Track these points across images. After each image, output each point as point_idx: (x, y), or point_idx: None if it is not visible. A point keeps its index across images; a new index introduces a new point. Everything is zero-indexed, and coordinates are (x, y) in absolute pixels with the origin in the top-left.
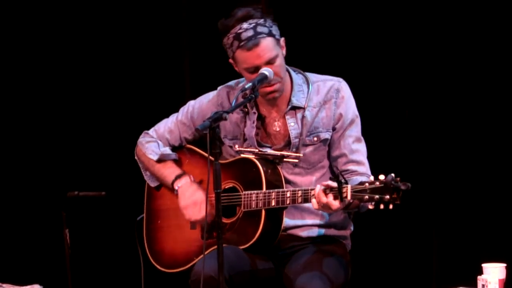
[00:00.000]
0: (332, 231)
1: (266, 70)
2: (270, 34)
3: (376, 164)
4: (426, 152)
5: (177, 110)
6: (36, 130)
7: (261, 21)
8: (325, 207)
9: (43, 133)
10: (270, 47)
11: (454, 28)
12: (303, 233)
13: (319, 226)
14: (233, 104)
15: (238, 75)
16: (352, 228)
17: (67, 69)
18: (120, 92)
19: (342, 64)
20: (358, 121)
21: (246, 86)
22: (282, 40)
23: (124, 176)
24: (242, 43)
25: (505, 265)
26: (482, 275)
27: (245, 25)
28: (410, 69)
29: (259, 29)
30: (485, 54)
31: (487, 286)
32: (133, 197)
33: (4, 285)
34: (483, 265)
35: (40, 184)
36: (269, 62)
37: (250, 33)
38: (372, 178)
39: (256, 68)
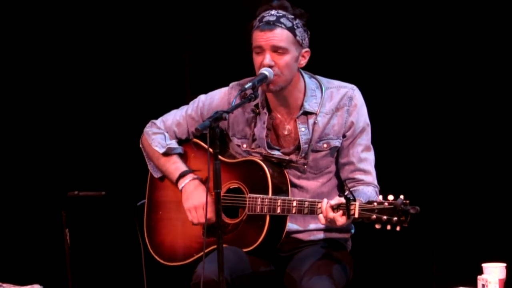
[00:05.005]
0: (334, 234)
1: (266, 70)
2: (291, 29)
3: (379, 166)
4: (425, 153)
5: (176, 109)
6: (36, 130)
7: (290, 16)
8: (331, 222)
9: (43, 133)
10: (283, 37)
11: (453, 32)
12: (306, 237)
13: (321, 230)
14: (233, 103)
15: (238, 72)
16: (353, 230)
17: (67, 69)
18: (120, 92)
19: (342, 65)
20: (368, 129)
21: (246, 86)
22: (305, 50)
23: (124, 176)
24: (260, 24)
25: (505, 265)
26: (482, 275)
27: (273, 12)
28: (409, 72)
29: (283, 20)
30: (485, 58)
31: (487, 286)
32: (133, 196)
33: (4, 285)
34: (483, 265)
35: (40, 184)
36: (276, 50)
37: (272, 18)
38: (380, 197)
39: (261, 50)
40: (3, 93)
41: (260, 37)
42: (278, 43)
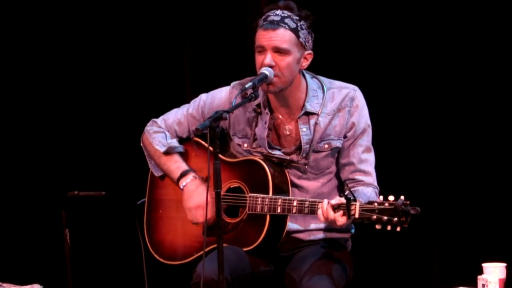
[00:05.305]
0: (334, 234)
1: (266, 70)
2: (294, 30)
3: (379, 167)
4: (426, 153)
5: (176, 109)
6: (36, 130)
7: (295, 17)
8: (331, 222)
9: (43, 133)
10: (286, 39)
11: (453, 32)
12: (306, 237)
13: (322, 230)
14: (233, 103)
15: (238, 72)
16: (353, 230)
17: (67, 69)
18: (119, 92)
19: (343, 66)
20: (369, 130)
21: (246, 86)
22: (308, 52)
23: (124, 175)
24: (264, 23)
25: (505, 264)
26: (482, 275)
27: (278, 12)
28: (409, 73)
29: (287, 20)
30: (485, 58)
31: (487, 286)
32: (133, 196)
33: (4, 284)
34: (483, 264)
35: (40, 184)
36: (277, 51)
37: (276, 18)
38: (381, 198)
39: (262, 49)
40: (3, 93)
41: (263, 37)
42: (280, 44)
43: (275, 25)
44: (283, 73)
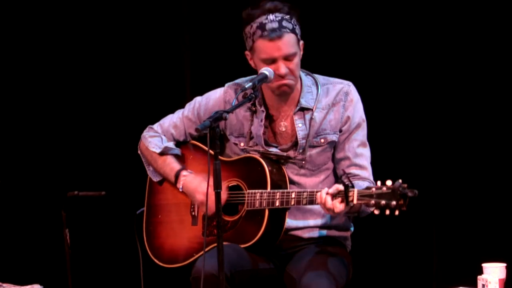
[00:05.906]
0: (333, 232)
1: (266, 70)
2: (293, 31)
3: (376, 164)
4: (426, 153)
5: (176, 110)
6: (36, 130)
7: (287, 16)
8: (329, 209)
9: (43, 133)
10: (292, 43)
11: (448, 27)
12: (305, 234)
13: (321, 227)
14: (233, 103)
15: (239, 73)
16: (352, 229)
17: (67, 70)
18: (120, 92)
19: (338, 64)
20: (364, 125)
21: (246, 86)
22: (301, 43)
23: (124, 175)
24: (266, 33)
25: (505, 265)
26: (482, 275)
27: (271, 17)
28: (409, 71)
29: (284, 23)
30: (479, 51)
31: (487, 286)
32: (133, 196)
33: (4, 285)
34: (483, 265)
35: (40, 184)
36: (287, 58)
37: (275, 25)
38: (379, 183)
39: (274, 60)
40: (3, 93)
41: (271, 48)
42: (290, 51)
43: (278, 32)
44: (295, 74)
